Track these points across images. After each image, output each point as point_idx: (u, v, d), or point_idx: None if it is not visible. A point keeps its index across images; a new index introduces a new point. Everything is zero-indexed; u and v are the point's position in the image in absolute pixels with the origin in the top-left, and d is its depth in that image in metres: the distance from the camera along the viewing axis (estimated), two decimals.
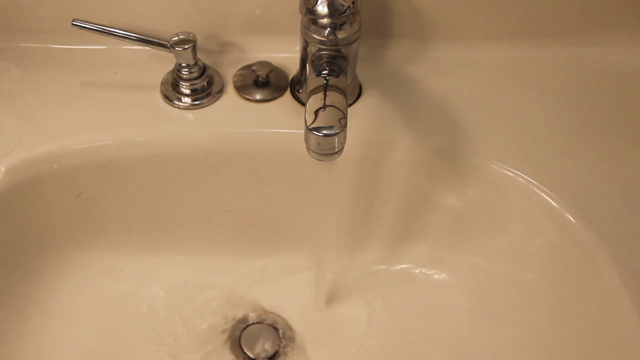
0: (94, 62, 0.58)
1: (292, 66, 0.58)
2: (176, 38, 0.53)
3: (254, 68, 0.56)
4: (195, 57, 0.54)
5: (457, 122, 0.55)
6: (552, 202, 0.51)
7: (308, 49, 0.51)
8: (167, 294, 0.59)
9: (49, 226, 0.56)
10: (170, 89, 0.56)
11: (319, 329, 0.58)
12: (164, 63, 0.57)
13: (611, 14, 0.59)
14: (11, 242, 0.54)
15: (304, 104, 0.55)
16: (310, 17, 0.49)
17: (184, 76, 0.55)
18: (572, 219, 0.50)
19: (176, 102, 0.55)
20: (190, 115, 0.55)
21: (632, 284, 0.46)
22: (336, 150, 0.44)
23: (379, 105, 0.56)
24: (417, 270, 0.61)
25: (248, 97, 0.56)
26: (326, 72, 0.49)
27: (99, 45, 0.59)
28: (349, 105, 0.55)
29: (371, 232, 0.60)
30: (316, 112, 0.44)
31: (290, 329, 0.58)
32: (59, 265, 0.58)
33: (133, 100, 0.56)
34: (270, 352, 0.57)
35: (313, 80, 0.48)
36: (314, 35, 0.49)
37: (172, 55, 0.53)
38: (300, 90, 0.56)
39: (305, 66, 0.52)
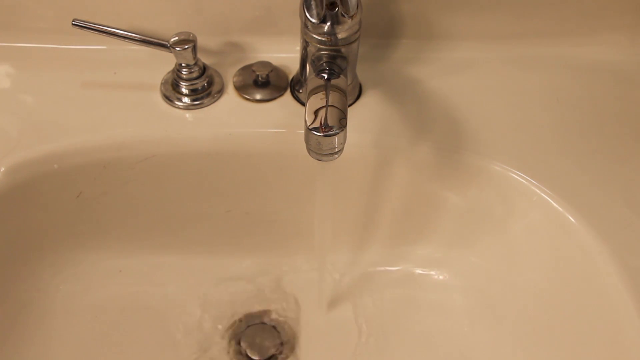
0: (94, 62, 0.58)
1: (292, 66, 0.58)
2: (176, 38, 0.53)
3: (254, 68, 0.56)
4: (195, 57, 0.54)
5: (458, 122, 0.55)
6: (552, 202, 0.51)
7: (308, 49, 0.51)
8: (166, 294, 0.59)
9: (49, 226, 0.56)
10: (170, 89, 0.56)
11: (320, 329, 0.58)
12: (164, 63, 0.57)
13: (611, 14, 0.59)
14: (11, 242, 0.54)
15: (304, 104, 0.55)
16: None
17: (184, 76, 0.55)
18: (572, 219, 0.50)
19: (176, 102, 0.55)
20: (190, 115, 0.55)
21: (632, 284, 0.46)
22: (336, 150, 0.44)
23: (379, 105, 0.56)
24: (418, 270, 0.61)
25: (248, 97, 0.56)
26: (326, 72, 0.49)
27: (99, 45, 0.59)
28: (349, 105, 0.55)
29: (372, 232, 0.60)
30: (316, 112, 0.44)
31: (291, 329, 0.58)
32: (59, 265, 0.58)
33: (133, 100, 0.56)
34: (271, 352, 0.57)
35: (313, 80, 0.48)
36: (314, 35, 0.49)
37: (172, 55, 0.53)
38: (300, 90, 0.56)
39: (305, 66, 0.52)
